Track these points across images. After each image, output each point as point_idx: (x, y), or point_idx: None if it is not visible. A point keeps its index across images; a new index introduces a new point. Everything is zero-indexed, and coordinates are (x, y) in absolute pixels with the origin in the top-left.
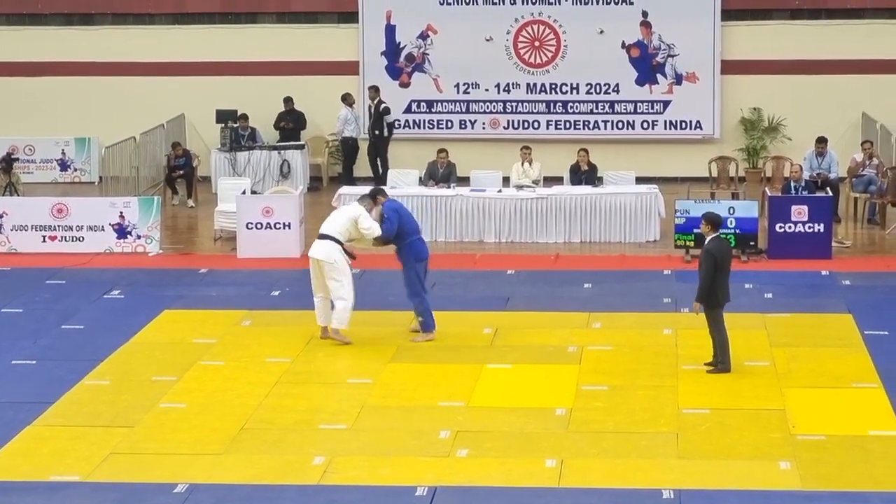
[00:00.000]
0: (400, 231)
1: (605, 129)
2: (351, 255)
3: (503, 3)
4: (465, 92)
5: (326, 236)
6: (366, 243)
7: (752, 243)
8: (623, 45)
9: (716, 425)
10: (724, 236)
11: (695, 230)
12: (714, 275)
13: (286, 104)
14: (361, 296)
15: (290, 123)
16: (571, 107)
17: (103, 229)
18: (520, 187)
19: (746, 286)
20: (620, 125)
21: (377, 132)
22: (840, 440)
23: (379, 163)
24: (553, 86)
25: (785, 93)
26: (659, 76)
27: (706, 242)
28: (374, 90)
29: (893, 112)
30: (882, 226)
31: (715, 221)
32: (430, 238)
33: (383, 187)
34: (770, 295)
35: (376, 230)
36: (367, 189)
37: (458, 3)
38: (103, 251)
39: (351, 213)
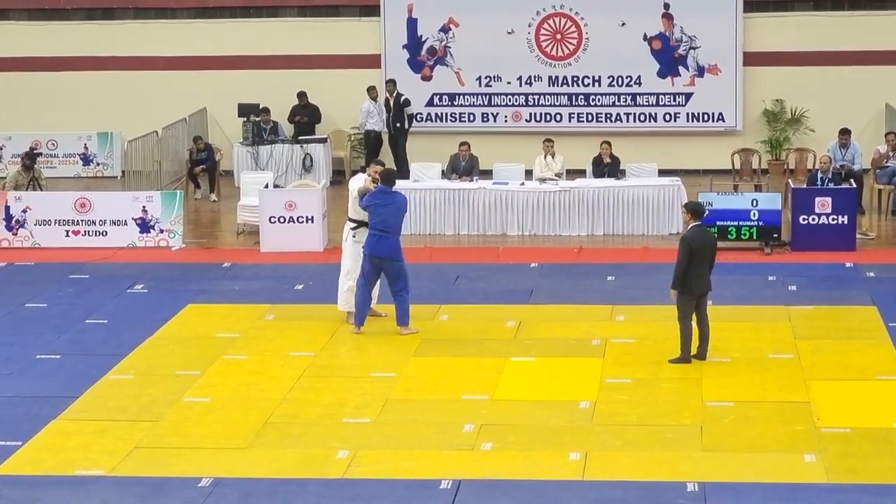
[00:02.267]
0: (371, 217)
1: (628, 121)
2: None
3: None
4: (487, 85)
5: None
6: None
7: (775, 235)
8: (645, 38)
9: (740, 418)
10: (706, 227)
11: (717, 222)
12: (688, 263)
13: (300, 98)
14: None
15: (305, 117)
16: (593, 99)
17: (126, 224)
18: (542, 180)
19: (770, 278)
20: (643, 117)
21: (398, 124)
22: (865, 433)
23: (398, 156)
24: (575, 78)
25: (808, 84)
26: (681, 68)
27: (686, 230)
28: (392, 83)
29: None
30: None
31: (696, 210)
32: (452, 231)
33: (382, 164)
34: (794, 287)
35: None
36: None
37: None
38: (126, 245)
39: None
